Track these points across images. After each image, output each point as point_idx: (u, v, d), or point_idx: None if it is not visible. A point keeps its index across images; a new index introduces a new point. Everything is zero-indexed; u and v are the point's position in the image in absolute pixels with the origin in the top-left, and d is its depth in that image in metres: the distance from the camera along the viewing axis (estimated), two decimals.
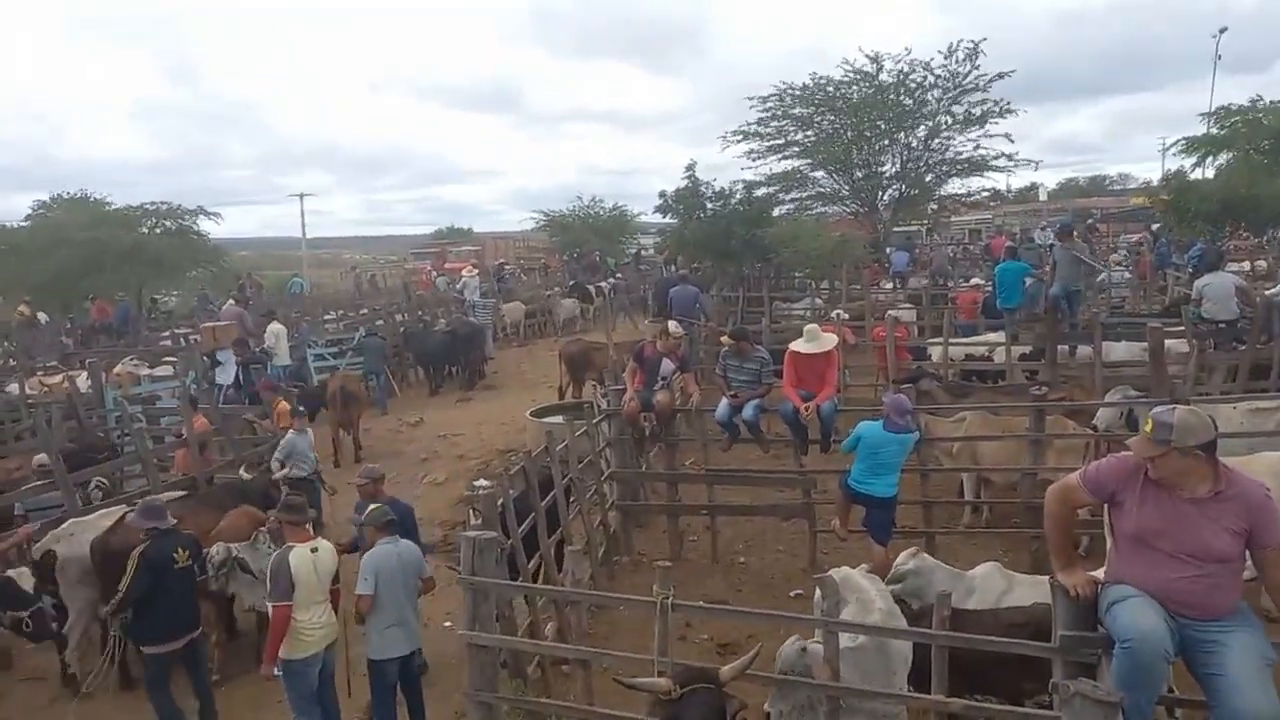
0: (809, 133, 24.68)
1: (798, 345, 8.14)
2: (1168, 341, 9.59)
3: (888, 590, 5.12)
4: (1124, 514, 3.51)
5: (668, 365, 8.60)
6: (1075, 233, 13.18)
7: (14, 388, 13.76)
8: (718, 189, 22.12)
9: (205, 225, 28.00)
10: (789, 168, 25.11)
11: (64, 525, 7.11)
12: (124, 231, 25.58)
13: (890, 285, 21.92)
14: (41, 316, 23.56)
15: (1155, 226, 28.27)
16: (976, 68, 22.47)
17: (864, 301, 17.25)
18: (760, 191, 23.56)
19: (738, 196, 22.12)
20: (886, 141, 24.20)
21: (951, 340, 13.23)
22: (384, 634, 5.42)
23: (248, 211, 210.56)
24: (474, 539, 4.97)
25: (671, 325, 8.95)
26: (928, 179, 24.94)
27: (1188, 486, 3.37)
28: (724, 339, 9.33)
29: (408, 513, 6.63)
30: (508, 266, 34.15)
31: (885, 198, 25.64)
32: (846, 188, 25.50)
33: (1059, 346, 11.73)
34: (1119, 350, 11.71)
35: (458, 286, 24.52)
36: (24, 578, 6.32)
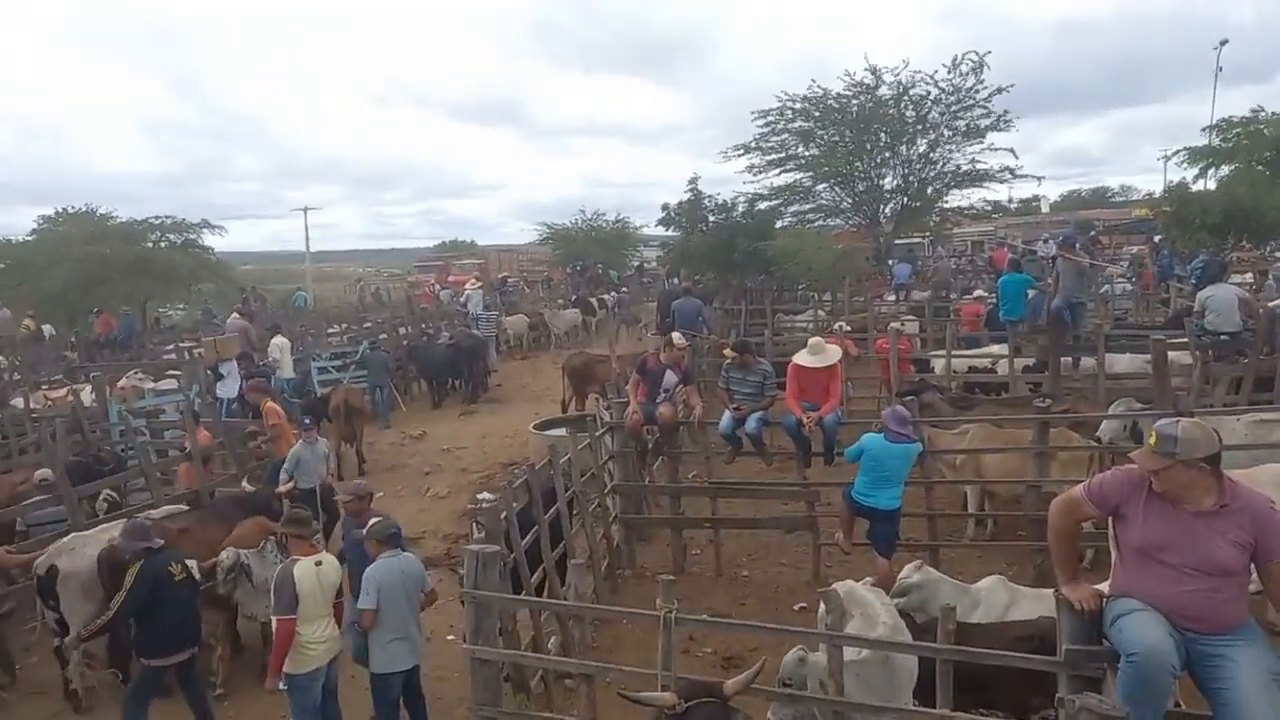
0: (810, 146, 24.80)
1: (801, 358, 8.15)
2: (1171, 354, 9.58)
3: (892, 604, 5.11)
4: (1129, 527, 3.50)
5: (670, 378, 8.60)
6: (1078, 244, 13.18)
7: (19, 401, 13.79)
8: (720, 202, 22.24)
9: (210, 239, 28.12)
10: (791, 180, 25.23)
11: (65, 539, 7.06)
12: (128, 245, 25.62)
13: (893, 297, 21.87)
14: (47, 330, 23.63)
15: (1158, 238, 28.28)
16: (981, 81, 22.58)
17: (866, 314, 17.28)
18: (763, 205, 23.66)
19: (740, 209, 22.20)
20: (888, 154, 24.30)
21: (954, 352, 13.24)
22: (387, 648, 5.40)
23: (253, 225, 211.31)
24: (477, 552, 4.98)
25: (676, 336, 8.96)
26: (929, 192, 25.02)
27: (1192, 499, 3.36)
28: (727, 351, 9.33)
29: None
30: (511, 280, 34.25)
31: (887, 210, 25.74)
32: (848, 200, 25.62)
33: (1062, 359, 11.72)
34: (1122, 362, 11.69)
35: (461, 300, 24.56)
36: None
